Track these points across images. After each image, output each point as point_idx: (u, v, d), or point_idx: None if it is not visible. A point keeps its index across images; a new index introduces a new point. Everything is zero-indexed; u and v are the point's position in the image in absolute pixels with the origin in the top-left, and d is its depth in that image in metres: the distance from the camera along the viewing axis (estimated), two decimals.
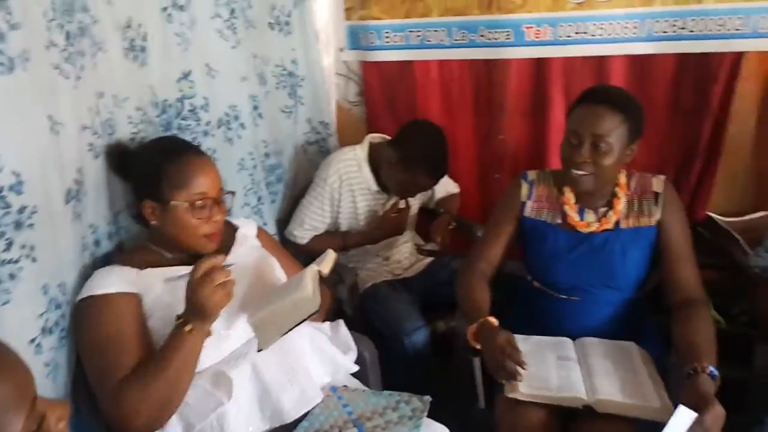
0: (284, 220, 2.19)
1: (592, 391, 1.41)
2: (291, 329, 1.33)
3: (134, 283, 1.31)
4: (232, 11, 1.85)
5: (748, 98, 2.06)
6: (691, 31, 2.00)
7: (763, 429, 1.38)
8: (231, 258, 1.44)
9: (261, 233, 1.60)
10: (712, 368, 1.35)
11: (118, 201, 1.50)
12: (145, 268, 1.34)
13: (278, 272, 1.51)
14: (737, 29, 1.95)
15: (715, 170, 2.14)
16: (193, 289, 1.18)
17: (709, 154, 2.14)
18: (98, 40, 1.40)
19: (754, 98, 2.07)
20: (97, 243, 1.42)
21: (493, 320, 1.52)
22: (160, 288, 1.32)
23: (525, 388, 1.43)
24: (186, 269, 1.28)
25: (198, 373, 1.26)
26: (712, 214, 2.16)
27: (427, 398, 1.42)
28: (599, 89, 1.62)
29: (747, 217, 2.13)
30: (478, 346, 1.50)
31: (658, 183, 1.61)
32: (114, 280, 1.29)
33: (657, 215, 1.58)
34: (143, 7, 1.53)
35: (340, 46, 2.44)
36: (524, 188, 1.70)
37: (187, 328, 1.19)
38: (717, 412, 1.26)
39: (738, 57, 2.01)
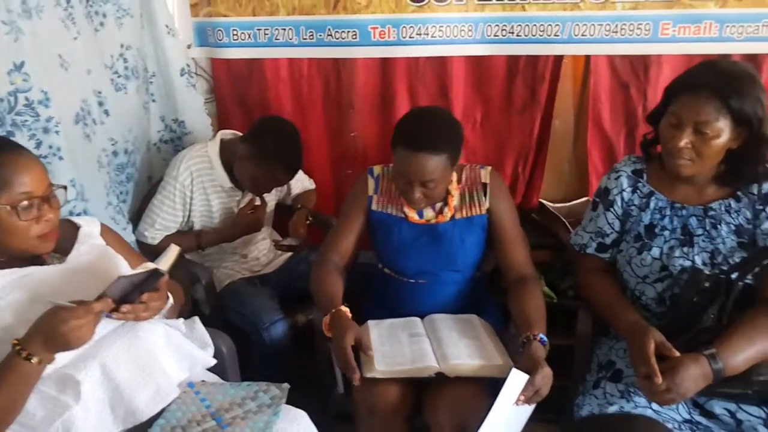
0: (135, 221, 2.10)
1: (442, 358, 1.52)
2: None
3: None
4: (69, 0, 1.75)
5: (567, 97, 2.31)
6: (518, 36, 2.20)
7: (584, 391, 1.56)
8: (72, 256, 1.37)
9: (105, 231, 1.53)
10: (542, 336, 1.52)
11: None
12: None
13: (123, 271, 1.46)
14: (556, 35, 2.18)
15: (544, 162, 2.37)
16: (63, 318, 1.14)
17: (539, 148, 2.37)
18: None
19: (572, 97, 2.32)
20: None
21: (345, 310, 1.59)
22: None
23: (381, 366, 1.51)
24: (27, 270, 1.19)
25: (41, 378, 1.19)
26: (543, 201, 2.40)
27: (286, 386, 1.44)
28: (416, 134, 1.59)
29: (571, 203, 2.40)
30: (328, 334, 1.57)
31: (485, 174, 1.75)
32: None
33: (486, 204, 1.73)
34: None
35: (187, 42, 2.38)
36: (371, 183, 1.79)
37: (35, 360, 1.14)
38: (545, 373, 1.43)
39: (559, 60, 2.24)
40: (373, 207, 1.77)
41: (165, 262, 1.34)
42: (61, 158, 1.66)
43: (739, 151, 1.44)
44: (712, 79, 1.40)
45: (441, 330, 1.64)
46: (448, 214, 1.72)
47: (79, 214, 1.71)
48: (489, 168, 1.77)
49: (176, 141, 2.35)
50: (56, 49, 1.69)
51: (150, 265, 1.32)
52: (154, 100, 2.25)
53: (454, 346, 1.57)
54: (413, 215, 1.74)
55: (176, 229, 2.07)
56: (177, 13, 2.34)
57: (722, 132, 1.40)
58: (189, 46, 2.39)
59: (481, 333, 1.64)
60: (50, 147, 1.64)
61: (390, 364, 1.52)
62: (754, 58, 2.09)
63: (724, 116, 1.39)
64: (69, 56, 1.72)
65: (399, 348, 1.58)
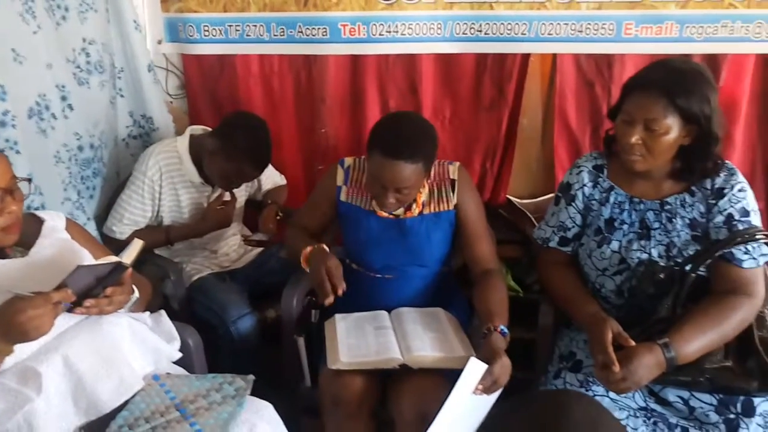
0: (103, 217, 2.10)
1: (406, 350, 1.55)
2: None
3: None
4: None
5: (534, 95, 2.35)
6: (486, 34, 2.23)
7: (546, 382, 1.60)
8: (35, 250, 1.38)
9: (71, 225, 1.54)
10: (503, 327, 1.56)
11: None
12: None
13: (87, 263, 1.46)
14: (523, 34, 2.21)
15: (512, 159, 2.40)
16: (20, 308, 1.14)
17: (506, 145, 2.40)
18: None
19: (539, 95, 2.36)
20: None
21: (325, 247, 1.65)
22: None
23: (346, 358, 1.53)
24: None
25: (1, 371, 1.19)
26: (511, 197, 2.43)
27: (251, 377, 1.46)
28: (394, 142, 1.59)
29: (538, 199, 2.43)
30: (306, 267, 1.65)
31: (453, 170, 1.78)
32: None
33: (454, 200, 1.75)
34: None
35: (158, 38, 2.38)
36: (340, 174, 1.80)
37: None
38: (503, 363, 1.46)
39: (526, 58, 2.28)
40: (342, 198, 1.79)
41: (128, 256, 1.34)
42: (18, 152, 1.67)
43: (690, 147, 1.49)
44: (660, 78, 1.45)
45: (406, 323, 1.67)
46: (416, 209, 1.74)
47: (37, 208, 1.71)
48: (457, 164, 1.79)
49: (144, 137, 2.35)
50: (11, 43, 1.68)
51: (113, 258, 1.32)
52: (122, 96, 2.25)
53: (419, 338, 1.59)
54: (380, 209, 1.76)
55: (145, 224, 2.07)
56: (147, 8, 2.34)
57: (671, 129, 1.45)
58: (160, 42, 2.38)
59: (446, 326, 1.67)
60: (7, 141, 1.64)
61: (355, 355, 1.54)
62: (713, 58, 2.15)
63: (672, 114, 1.43)
64: (26, 50, 1.71)
65: (364, 340, 1.60)
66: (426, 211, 1.75)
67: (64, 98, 1.91)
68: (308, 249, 1.66)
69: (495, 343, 1.51)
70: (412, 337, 1.60)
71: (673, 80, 1.44)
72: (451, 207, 1.75)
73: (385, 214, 1.74)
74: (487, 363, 1.44)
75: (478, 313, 1.68)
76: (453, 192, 1.76)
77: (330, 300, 1.56)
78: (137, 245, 1.37)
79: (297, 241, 1.76)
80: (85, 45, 2.03)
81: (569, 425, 0.67)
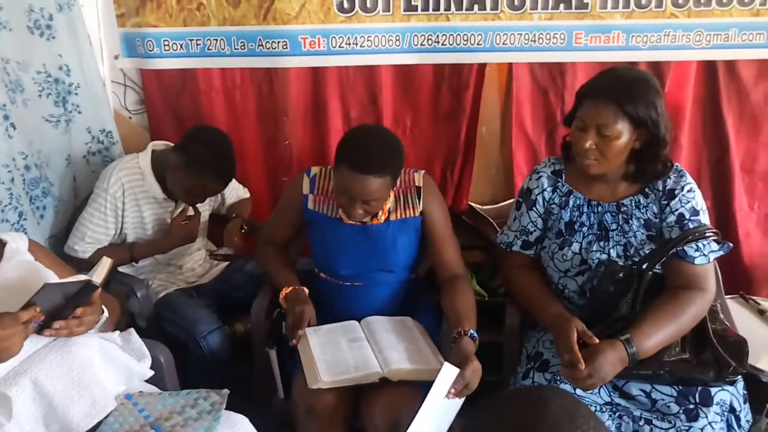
0: (60, 236, 2.05)
1: (385, 363, 1.57)
2: None
3: None
4: None
5: (492, 103, 2.42)
6: (443, 45, 2.29)
7: (515, 382, 1.64)
8: None
9: (33, 246, 1.51)
10: (473, 331, 1.61)
11: None
12: None
13: None
14: (479, 44, 2.28)
15: (472, 166, 2.46)
16: None
17: (466, 153, 2.45)
18: None
19: (497, 103, 2.43)
20: None
21: (305, 290, 1.75)
22: None
23: (327, 377, 1.54)
24: None
25: None
26: (473, 204, 2.49)
27: (225, 391, 1.46)
28: (362, 157, 1.62)
29: (499, 205, 2.50)
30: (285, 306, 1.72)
31: (419, 177, 1.82)
32: None
33: (420, 207, 1.79)
34: None
35: (114, 53, 2.35)
36: (306, 183, 1.83)
37: None
38: (474, 366, 1.51)
39: (482, 68, 2.35)
40: (309, 206, 1.81)
41: (98, 275, 1.33)
42: None
43: (641, 150, 1.57)
44: (609, 86, 1.53)
45: (379, 333, 1.69)
46: (382, 216, 1.77)
47: None
48: (422, 172, 1.83)
49: (104, 152, 2.30)
50: None
51: (81, 276, 1.31)
52: (79, 112, 2.20)
53: (394, 350, 1.62)
54: (346, 216, 1.78)
55: (108, 242, 2.04)
56: (102, 23, 2.31)
57: (622, 134, 1.52)
58: (116, 57, 2.36)
59: (418, 336, 1.71)
60: None
61: (335, 373, 1.55)
62: (657, 65, 2.26)
63: (622, 119, 1.51)
64: None
65: (341, 355, 1.61)
66: (392, 218, 1.78)
67: (6, 117, 1.87)
68: (288, 290, 1.74)
69: (465, 347, 1.55)
70: (389, 349, 1.62)
71: (622, 88, 1.52)
72: (417, 213, 1.79)
73: (352, 222, 1.77)
74: (458, 367, 1.47)
75: (447, 318, 1.72)
76: (419, 199, 1.79)
77: (295, 342, 1.65)
78: (106, 263, 1.36)
79: (274, 271, 1.84)
80: (3, 64, 1.96)
81: (548, 419, 0.71)
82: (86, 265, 1.97)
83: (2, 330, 1.13)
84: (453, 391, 1.47)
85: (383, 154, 1.63)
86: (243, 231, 2.22)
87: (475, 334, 1.61)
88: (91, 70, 2.21)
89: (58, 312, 1.25)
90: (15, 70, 1.93)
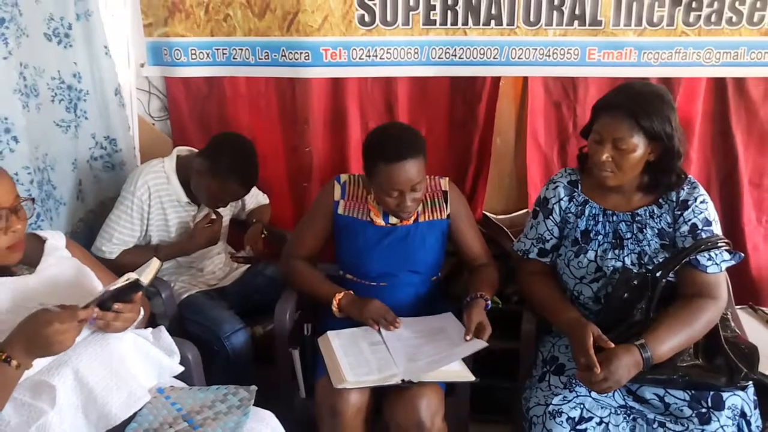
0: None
1: (407, 367, 1.62)
2: None
3: None
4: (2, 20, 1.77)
5: (507, 115, 2.48)
6: (460, 58, 2.36)
7: (531, 386, 1.69)
8: (41, 267, 1.40)
9: (70, 244, 1.56)
10: (488, 299, 1.76)
11: None
12: None
13: (94, 281, 1.49)
14: (494, 58, 2.35)
15: (486, 176, 2.52)
16: (47, 320, 1.17)
17: (480, 163, 2.51)
18: None
19: (512, 116, 2.50)
20: None
21: (351, 292, 1.82)
22: None
23: (351, 377, 1.58)
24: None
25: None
26: (487, 213, 2.55)
27: (253, 387, 1.50)
28: (394, 146, 1.73)
29: (513, 215, 2.56)
30: (341, 315, 1.80)
31: (444, 183, 1.92)
32: None
33: (447, 210, 1.89)
34: None
35: (140, 61, 2.42)
36: (337, 189, 1.90)
37: (14, 363, 1.17)
38: (486, 323, 1.71)
39: (497, 81, 2.41)
40: (340, 211, 1.88)
41: (147, 275, 1.37)
42: None
43: (656, 162, 1.63)
44: (625, 101, 1.59)
45: (401, 337, 1.74)
46: (411, 218, 1.84)
47: None
48: (447, 178, 1.94)
49: (106, 158, 2.33)
50: None
51: (132, 275, 1.36)
52: (86, 118, 2.23)
53: (417, 353, 1.67)
54: (379, 220, 1.86)
55: (133, 244, 2.09)
56: (130, 33, 2.38)
57: (638, 147, 1.58)
58: (142, 65, 2.42)
59: (448, 333, 1.76)
60: None
61: (358, 374, 1.60)
62: (667, 81, 2.32)
63: (638, 133, 1.57)
64: None
65: (363, 358, 1.66)
66: (421, 220, 1.87)
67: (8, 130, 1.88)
68: (340, 295, 1.80)
69: (480, 307, 1.75)
70: (410, 353, 1.67)
71: (637, 103, 1.58)
72: (445, 216, 1.88)
73: (382, 223, 1.85)
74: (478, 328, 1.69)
75: (469, 287, 1.86)
76: (446, 202, 1.89)
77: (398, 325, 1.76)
78: (155, 265, 1.40)
79: (314, 284, 1.89)
80: (21, 69, 1.98)
81: None
82: (112, 265, 2.03)
83: (60, 324, 1.18)
84: (468, 338, 1.68)
85: (410, 138, 1.76)
86: (263, 236, 2.27)
87: (490, 304, 1.79)
88: (102, 78, 2.25)
89: (101, 304, 1.30)
90: (32, 75, 1.97)
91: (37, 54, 2.00)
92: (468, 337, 1.67)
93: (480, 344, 1.67)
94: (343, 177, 1.93)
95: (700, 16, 2.26)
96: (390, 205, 1.77)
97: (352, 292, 1.82)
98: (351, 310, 1.77)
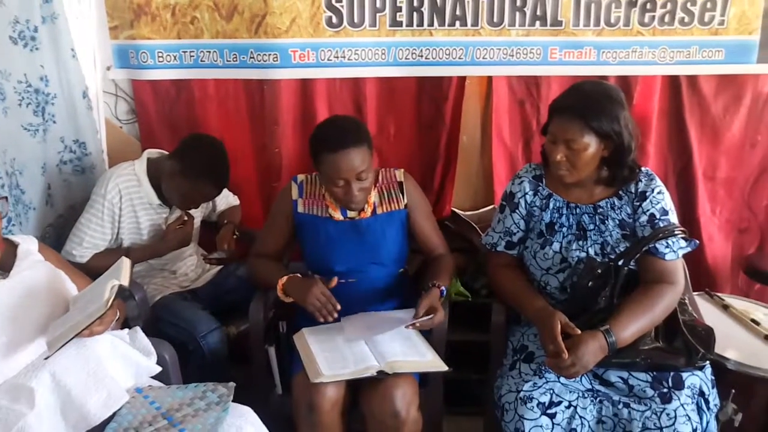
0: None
1: (382, 357, 1.66)
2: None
3: None
4: None
5: (473, 114, 2.55)
6: (426, 59, 2.41)
7: (502, 374, 1.74)
8: (15, 272, 1.40)
9: (43, 248, 1.57)
10: (443, 287, 1.80)
11: None
12: None
13: (68, 284, 1.49)
14: (460, 58, 2.41)
15: (454, 174, 2.58)
16: None
17: (447, 161, 2.57)
18: None
19: (478, 114, 2.56)
20: None
21: (298, 275, 1.79)
22: None
23: (327, 371, 1.61)
24: None
25: None
26: (455, 209, 2.60)
27: (231, 384, 1.53)
28: (335, 135, 1.77)
29: (480, 210, 2.62)
30: (288, 299, 1.77)
31: (399, 174, 1.96)
32: None
33: (404, 200, 1.93)
34: None
35: (106, 64, 2.41)
36: (294, 189, 1.93)
37: None
38: (441, 314, 1.74)
39: (462, 80, 2.47)
40: (299, 210, 1.91)
41: (123, 277, 1.38)
42: None
43: (610, 157, 1.70)
44: (574, 103, 1.67)
45: (376, 330, 1.76)
46: (368, 210, 1.88)
47: None
48: (402, 170, 1.98)
49: (75, 162, 2.31)
50: None
51: (115, 282, 1.36)
52: (54, 122, 2.21)
53: (390, 344, 1.71)
54: (337, 215, 1.88)
55: (105, 247, 2.08)
56: (96, 35, 2.36)
57: (589, 146, 1.66)
58: (109, 68, 2.41)
59: (411, 331, 1.78)
60: None
61: (335, 368, 1.63)
62: (625, 79, 2.42)
63: (588, 132, 1.64)
64: None
65: (339, 353, 1.69)
66: (379, 211, 1.90)
67: None
68: (284, 280, 1.79)
69: (435, 296, 1.76)
70: (384, 344, 1.71)
71: (585, 104, 1.65)
72: (402, 206, 1.92)
73: (340, 217, 1.88)
74: (430, 311, 1.71)
75: (426, 275, 1.90)
76: (402, 193, 1.93)
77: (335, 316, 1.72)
78: (126, 264, 1.41)
79: (267, 273, 1.89)
80: (23, 73, 2.01)
81: None
82: (83, 269, 2.02)
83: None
84: (418, 324, 1.70)
85: (352, 127, 1.80)
86: (235, 236, 2.28)
87: (445, 291, 1.82)
88: (70, 81, 2.23)
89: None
90: None
91: (3, 57, 1.97)
92: (416, 321, 1.70)
93: (424, 319, 1.71)
94: (300, 177, 1.96)
95: (654, 16, 2.36)
96: (338, 195, 1.80)
97: (298, 275, 1.82)
98: (294, 294, 1.77)
